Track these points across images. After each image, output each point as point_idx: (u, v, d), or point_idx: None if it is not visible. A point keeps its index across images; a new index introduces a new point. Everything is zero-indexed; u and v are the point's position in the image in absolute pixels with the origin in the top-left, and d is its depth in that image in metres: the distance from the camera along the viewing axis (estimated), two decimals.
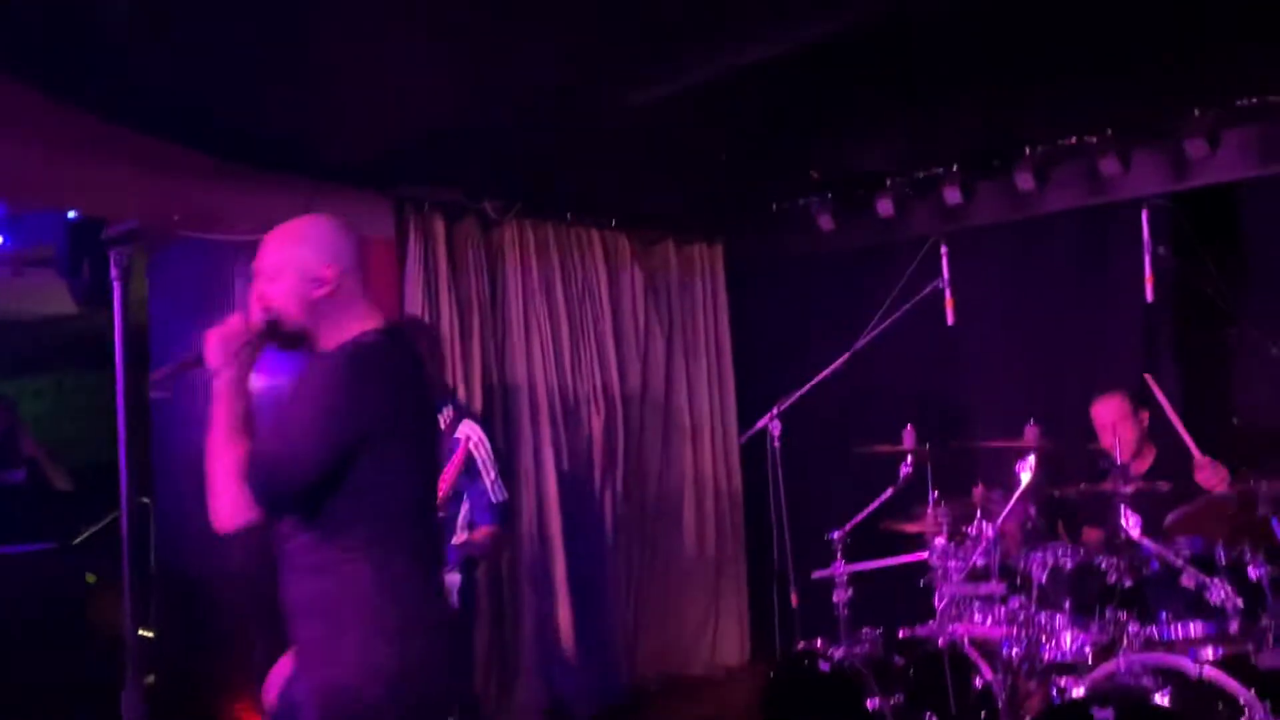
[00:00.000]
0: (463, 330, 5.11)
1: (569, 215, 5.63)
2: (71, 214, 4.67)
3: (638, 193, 5.52)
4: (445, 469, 3.21)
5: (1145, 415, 4.10)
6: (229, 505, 2.22)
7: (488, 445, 3.53)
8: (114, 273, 2.68)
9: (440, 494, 3.17)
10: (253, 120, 4.12)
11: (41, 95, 3.65)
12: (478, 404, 5.08)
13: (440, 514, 3.18)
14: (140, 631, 4.98)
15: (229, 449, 2.24)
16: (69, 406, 9.20)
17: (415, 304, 4.94)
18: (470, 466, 3.28)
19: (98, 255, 4.59)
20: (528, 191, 5.33)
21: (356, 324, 2.32)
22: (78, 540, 5.83)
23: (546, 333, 5.46)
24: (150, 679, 5.08)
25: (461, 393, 4.99)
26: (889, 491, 4.08)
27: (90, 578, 5.65)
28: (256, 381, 2.46)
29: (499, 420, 5.21)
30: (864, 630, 3.96)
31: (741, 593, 6.19)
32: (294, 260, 2.35)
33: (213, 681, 5.03)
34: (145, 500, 5.44)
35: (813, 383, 4.27)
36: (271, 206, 4.67)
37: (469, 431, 3.52)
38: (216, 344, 2.36)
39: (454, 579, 3.49)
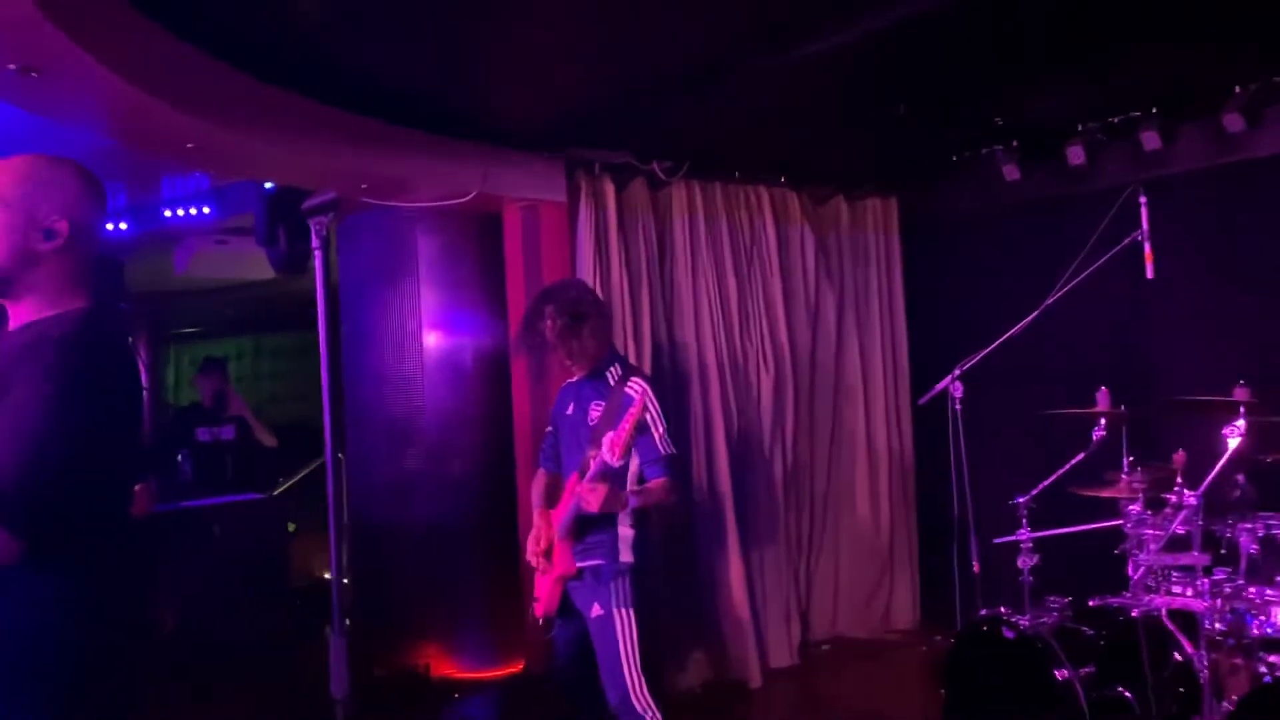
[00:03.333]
0: (632, 290, 5.20)
1: (737, 174, 5.62)
2: (268, 185, 4.95)
3: (808, 149, 5.45)
4: (621, 424, 3.27)
5: None
6: None
7: (655, 400, 3.58)
8: (314, 241, 2.85)
9: (618, 445, 3.25)
10: (436, 91, 4.26)
11: (240, 73, 3.88)
12: (646, 364, 5.16)
13: (618, 464, 3.27)
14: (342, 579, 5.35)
15: None
16: (264, 367, 9.87)
17: (586, 265, 5.04)
18: (640, 422, 3.33)
19: (292, 224, 4.92)
20: (696, 151, 5.35)
21: (67, 299, 1.99)
22: (277, 491, 6.28)
23: (715, 292, 5.49)
24: (347, 624, 5.45)
25: (631, 351, 5.08)
26: (1080, 456, 3.93)
27: (291, 526, 6.09)
28: None
29: (668, 380, 5.28)
30: (1050, 599, 3.87)
31: (913, 557, 6.14)
32: (27, 198, 1.98)
33: (401, 629, 5.35)
34: (339, 455, 5.81)
35: (1000, 341, 4.13)
36: (452, 173, 4.88)
37: (638, 386, 3.57)
38: None
39: (628, 533, 3.58)
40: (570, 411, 3.72)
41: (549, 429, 3.94)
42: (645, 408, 3.36)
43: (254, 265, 6.03)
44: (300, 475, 6.76)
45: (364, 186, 4.84)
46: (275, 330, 9.64)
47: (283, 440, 6.32)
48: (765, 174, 5.73)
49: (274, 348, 9.77)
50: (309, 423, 7.91)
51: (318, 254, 2.85)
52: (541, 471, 3.93)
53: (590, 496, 3.35)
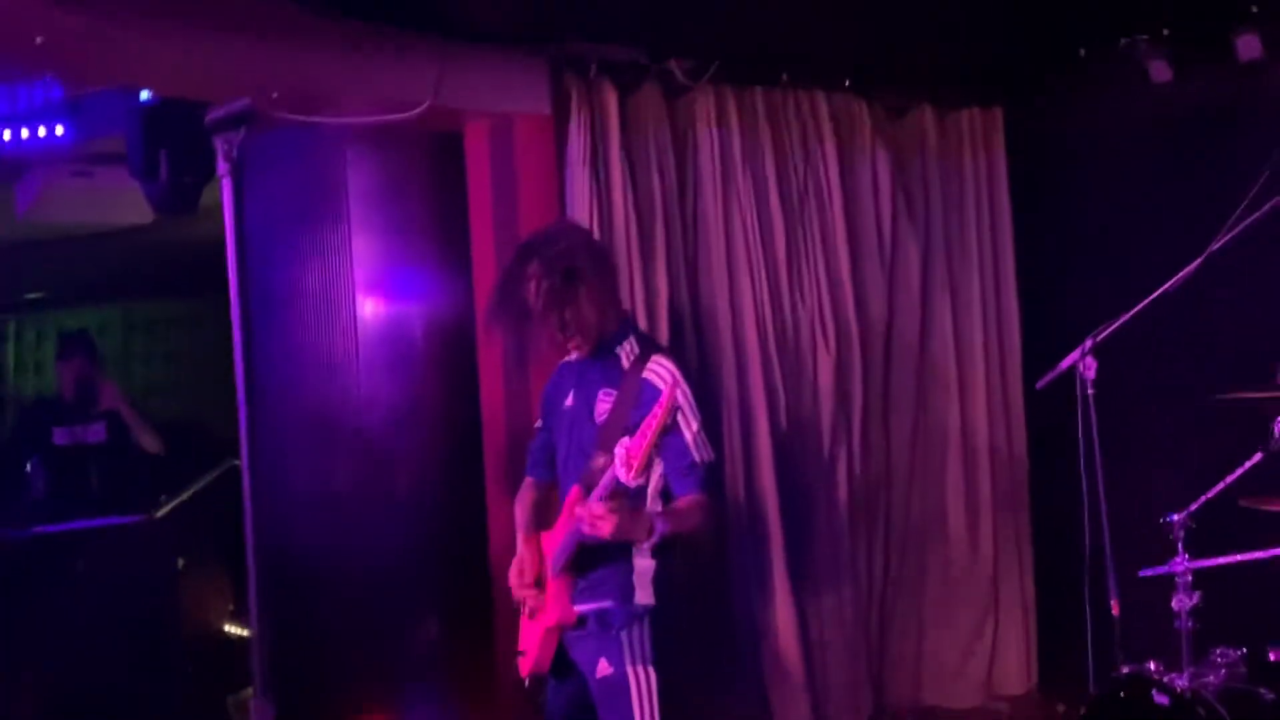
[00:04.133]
0: (643, 238, 5.21)
1: (784, 76, 5.62)
2: (145, 95, 4.95)
3: (882, 39, 5.44)
4: (642, 428, 3.23)
5: None
6: None
7: (687, 390, 3.59)
8: (222, 166, 2.84)
9: (635, 460, 3.19)
10: None
11: None
12: (663, 337, 5.19)
13: (638, 482, 3.28)
14: (240, 630, 5.39)
15: None
16: (137, 345, 9.87)
17: (580, 203, 5.06)
18: (668, 423, 3.32)
19: (178, 147, 4.92)
20: (728, 44, 5.34)
21: None
22: (162, 512, 6.32)
23: (755, 240, 5.50)
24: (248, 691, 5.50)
25: (642, 320, 5.10)
26: (1257, 456, 3.95)
27: (180, 561, 6.12)
28: None
29: (691, 360, 5.31)
30: (1218, 651, 3.90)
31: (1028, 597, 6.17)
32: None
33: (330, 697, 5.38)
34: (235, 463, 5.84)
35: (1146, 302, 4.14)
36: (392, 78, 4.89)
37: (665, 372, 3.57)
38: None
39: (646, 566, 3.60)
40: (570, 403, 3.74)
41: (538, 424, 3.96)
42: (675, 403, 3.34)
43: (124, 205, 6.02)
44: (191, 491, 6.79)
45: (274, 96, 4.84)
46: (153, 295, 9.62)
47: (168, 443, 6.35)
48: (823, 75, 5.72)
49: (151, 319, 9.77)
50: (200, 420, 7.95)
51: (227, 183, 2.84)
52: (529, 481, 3.95)
53: (600, 522, 3.33)
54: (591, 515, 3.35)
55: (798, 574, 5.45)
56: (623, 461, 3.23)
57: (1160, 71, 5.46)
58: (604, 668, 3.56)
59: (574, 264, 3.60)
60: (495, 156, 5.22)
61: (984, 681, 6.08)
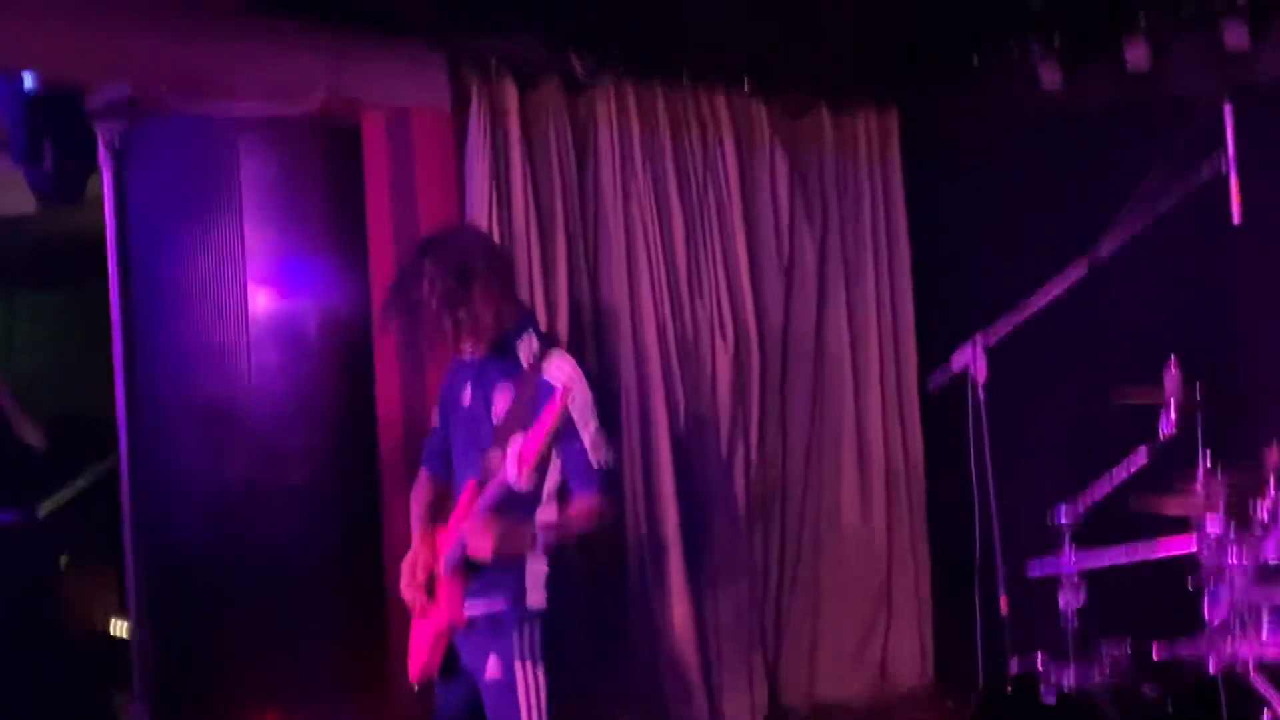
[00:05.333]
0: (543, 235, 5.17)
1: (685, 74, 5.62)
2: (27, 81, 4.81)
3: (780, 41, 5.46)
4: (534, 427, 3.24)
5: None
6: None
7: (586, 389, 3.57)
8: (103, 154, 2.76)
9: (528, 459, 3.23)
10: None
11: None
12: (562, 334, 5.15)
13: (526, 486, 3.26)
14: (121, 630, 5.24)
15: None
16: (19, 335, 9.62)
17: (479, 199, 5.01)
18: (562, 424, 3.32)
19: (63, 133, 4.78)
20: (629, 42, 5.32)
21: None
22: (45, 510, 6.15)
23: (655, 238, 5.49)
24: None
25: (541, 319, 5.06)
26: (1141, 455, 4.01)
27: (63, 559, 5.97)
28: None
29: (591, 358, 5.29)
30: (1104, 647, 3.94)
31: (922, 593, 6.23)
32: None
33: (221, 697, 5.28)
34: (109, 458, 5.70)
35: (1036, 305, 4.19)
36: (284, 67, 4.80)
37: (562, 371, 3.55)
38: None
39: (539, 569, 3.58)
40: (467, 401, 3.70)
41: (435, 424, 3.91)
42: (571, 402, 3.34)
43: (6, 192, 5.89)
44: (76, 487, 6.63)
45: (162, 85, 4.73)
46: (35, 285, 9.41)
47: (51, 437, 6.18)
48: (723, 75, 5.72)
49: (33, 308, 9.54)
50: (83, 414, 7.75)
51: (107, 172, 2.78)
52: (425, 475, 3.90)
53: (478, 540, 3.38)
54: (470, 533, 3.39)
55: (694, 572, 5.44)
56: (514, 460, 3.24)
57: (1051, 76, 5.53)
58: (493, 668, 3.53)
59: (468, 264, 3.58)
60: (393, 150, 5.13)
61: (878, 677, 6.12)
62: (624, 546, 5.31)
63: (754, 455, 5.76)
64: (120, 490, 5.45)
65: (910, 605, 6.18)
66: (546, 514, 3.59)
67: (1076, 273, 4.17)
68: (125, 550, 2.79)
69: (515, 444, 3.29)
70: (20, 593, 5.50)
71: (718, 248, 5.68)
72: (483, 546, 3.37)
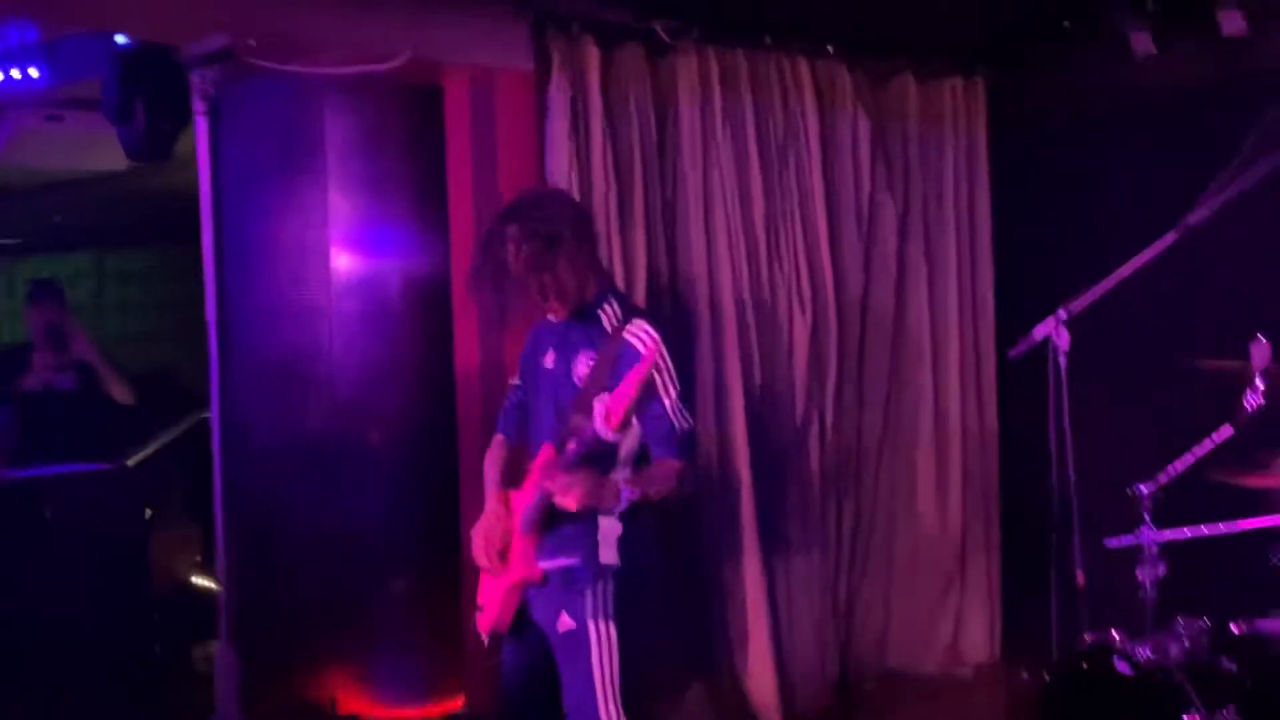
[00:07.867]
0: (621, 198, 5.17)
1: (768, 38, 5.59)
2: (120, 40, 4.89)
3: (865, 4, 5.40)
4: (622, 385, 3.28)
5: None
6: None
7: (667, 357, 3.59)
8: (197, 104, 2.77)
9: (616, 415, 3.28)
10: None
11: None
12: (639, 299, 5.16)
13: (614, 438, 3.34)
14: (208, 582, 5.38)
15: None
16: (111, 295, 9.83)
17: (560, 163, 5.01)
18: (648, 384, 3.35)
19: (155, 93, 4.87)
20: (712, 4, 5.30)
21: None
22: (132, 462, 6.30)
23: (734, 204, 5.47)
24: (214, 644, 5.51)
25: (619, 283, 5.06)
26: (1226, 429, 3.96)
27: (149, 511, 6.11)
28: None
29: (667, 324, 5.23)
30: (1181, 621, 3.90)
31: (994, 566, 6.20)
32: None
33: (297, 650, 5.38)
34: (205, 415, 5.82)
35: (1121, 274, 4.14)
36: (369, 28, 4.83)
37: (648, 336, 3.58)
38: None
39: (613, 529, 3.61)
40: (550, 364, 3.74)
41: (515, 382, 3.95)
42: (656, 366, 3.38)
43: (99, 151, 5.99)
44: (161, 441, 6.79)
45: (250, 42, 4.79)
46: (126, 244, 9.58)
47: (139, 394, 6.33)
48: (806, 39, 5.69)
49: (123, 269, 9.73)
50: (171, 371, 7.92)
51: (202, 123, 2.79)
52: (499, 438, 3.95)
53: (567, 491, 3.42)
54: (558, 486, 3.43)
55: (768, 538, 5.44)
56: (602, 416, 3.30)
57: (1143, 44, 5.44)
58: (565, 622, 3.58)
59: (555, 230, 3.62)
60: (475, 112, 5.17)
61: (949, 648, 6.12)
62: (698, 513, 5.32)
63: (829, 424, 5.74)
64: (207, 447, 5.60)
65: (982, 579, 6.16)
66: (621, 475, 3.63)
67: (1162, 244, 4.11)
68: (215, 501, 2.83)
69: (600, 404, 3.35)
70: (110, 540, 5.63)
71: (797, 214, 5.64)
72: (570, 498, 3.41)
